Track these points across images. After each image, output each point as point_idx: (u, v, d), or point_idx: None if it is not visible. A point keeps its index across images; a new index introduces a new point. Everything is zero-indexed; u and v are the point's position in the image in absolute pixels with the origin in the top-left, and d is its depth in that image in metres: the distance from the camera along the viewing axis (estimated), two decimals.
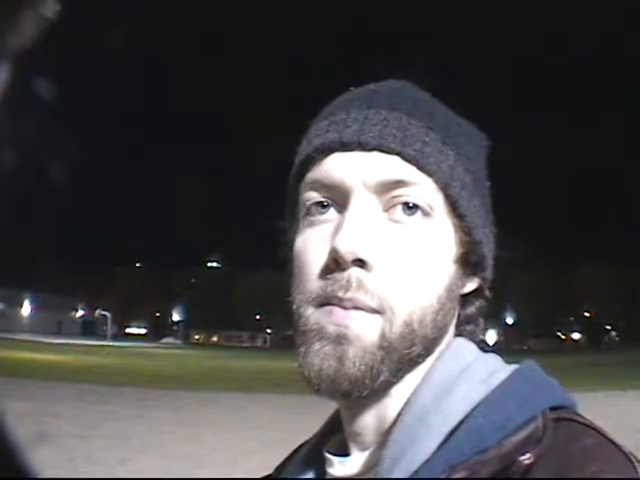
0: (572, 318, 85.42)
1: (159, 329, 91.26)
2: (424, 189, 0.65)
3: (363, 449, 0.67)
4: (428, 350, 0.65)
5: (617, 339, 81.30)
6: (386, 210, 0.65)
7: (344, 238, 0.62)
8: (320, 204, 0.67)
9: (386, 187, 0.64)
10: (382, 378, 0.62)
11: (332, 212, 0.67)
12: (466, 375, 0.63)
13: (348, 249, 0.61)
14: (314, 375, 0.63)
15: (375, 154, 0.65)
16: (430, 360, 0.66)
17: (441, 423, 0.60)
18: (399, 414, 0.64)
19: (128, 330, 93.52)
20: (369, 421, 0.66)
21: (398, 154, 0.65)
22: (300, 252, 0.68)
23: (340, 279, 0.62)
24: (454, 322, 0.70)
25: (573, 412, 0.62)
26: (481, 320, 0.74)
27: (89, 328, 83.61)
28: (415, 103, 0.69)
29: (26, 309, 74.98)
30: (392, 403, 0.66)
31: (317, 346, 0.63)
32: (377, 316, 0.62)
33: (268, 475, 0.81)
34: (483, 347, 0.70)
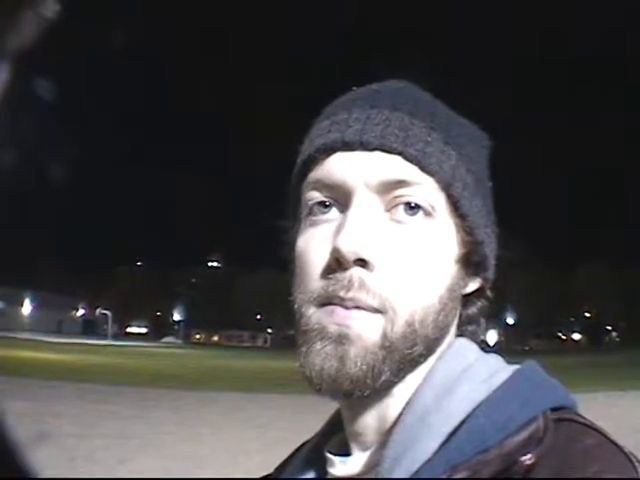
0: (572, 318, 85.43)
1: (160, 328, 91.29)
2: (426, 189, 0.65)
3: (364, 449, 0.67)
4: (429, 350, 0.65)
5: (618, 339, 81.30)
6: (388, 210, 0.65)
7: (346, 238, 0.62)
8: (322, 204, 0.67)
9: (388, 187, 0.64)
10: (384, 378, 0.62)
11: (334, 212, 0.67)
12: (467, 375, 0.64)
13: (350, 249, 0.61)
14: (315, 375, 0.63)
15: (377, 154, 0.65)
16: (431, 360, 0.66)
17: (442, 423, 0.60)
18: (400, 414, 0.64)
19: (129, 329, 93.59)
20: (370, 421, 0.66)
21: (400, 154, 0.65)
22: (302, 252, 0.68)
23: (342, 279, 0.63)
24: (456, 322, 0.70)
25: (574, 412, 0.62)
26: (483, 320, 0.74)
27: (90, 327, 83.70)
28: (417, 103, 0.69)
29: (27, 308, 75.04)
30: (393, 403, 0.66)
31: (319, 346, 0.63)
32: (379, 316, 0.62)
33: (268, 475, 0.81)
34: (484, 347, 0.70)
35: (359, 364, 0.61)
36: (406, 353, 0.63)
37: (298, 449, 0.79)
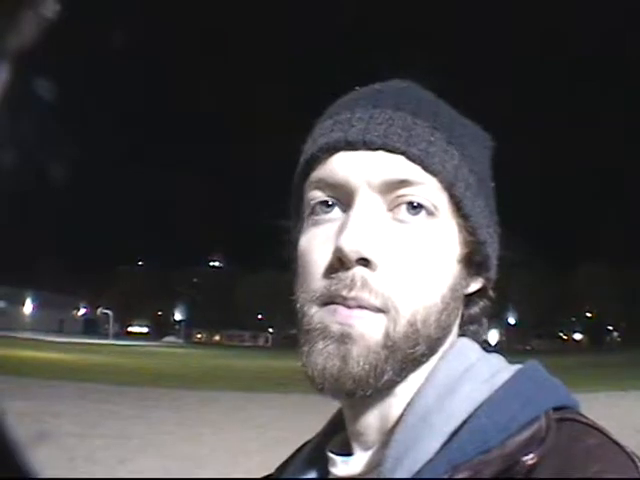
0: (574, 318, 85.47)
1: (161, 328, 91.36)
2: (429, 189, 0.65)
3: (366, 449, 0.67)
4: (432, 350, 0.65)
5: (619, 339, 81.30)
6: (390, 209, 0.65)
7: (348, 237, 0.62)
8: (325, 203, 0.67)
9: (391, 186, 0.64)
10: (386, 377, 0.62)
11: (337, 211, 0.67)
12: (469, 375, 0.64)
13: (352, 248, 0.61)
14: (318, 374, 0.63)
15: (380, 153, 0.65)
16: (434, 360, 0.66)
17: (444, 423, 0.60)
18: (402, 414, 0.64)
19: (130, 329, 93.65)
20: (372, 420, 0.66)
21: (403, 153, 0.65)
22: (304, 251, 0.68)
23: (344, 278, 0.62)
24: (458, 322, 0.70)
25: (576, 412, 0.62)
26: (485, 320, 0.74)
27: (91, 327, 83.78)
28: (420, 103, 0.69)
29: (28, 307, 75.12)
30: (395, 402, 0.66)
31: (321, 345, 0.63)
32: (381, 315, 0.62)
33: (269, 475, 0.81)
34: (486, 347, 0.70)
35: (361, 363, 0.61)
36: (408, 353, 0.63)
37: (299, 449, 0.79)
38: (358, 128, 0.66)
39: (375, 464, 0.65)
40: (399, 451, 0.61)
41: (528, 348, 73.98)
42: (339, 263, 0.63)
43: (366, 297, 0.62)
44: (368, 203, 0.64)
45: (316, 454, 0.73)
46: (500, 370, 0.64)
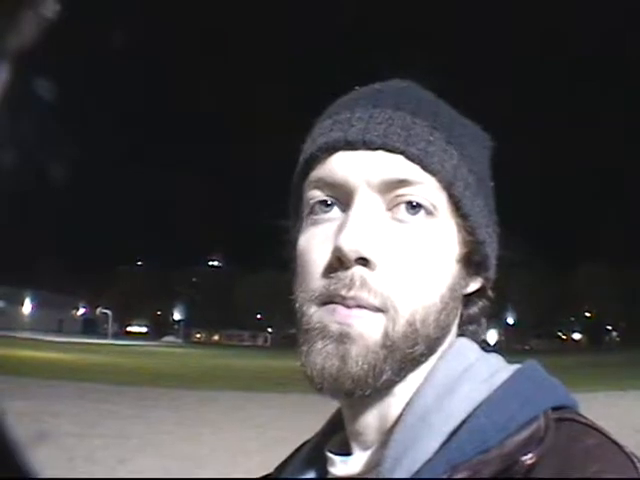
0: (573, 318, 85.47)
1: (160, 328, 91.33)
2: (428, 188, 0.65)
3: (365, 448, 0.67)
4: (431, 350, 0.65)
5: (618, 339, 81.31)
6: (390, 209, 0.65)
7: (348, 237, 0.62)
8: (324, 203, 0.67)
9: (390, 186, 0.64)
10: (385, 377, 0.62)
11: (336, 211, 0.67)
12: (468, 375, 0.63)
13: (352, 248, 0.61)
14: (316, 374, 0.63)
15: (379, 153, 0.65)
16: (433, 360, 0.66)
17: (443, 423, 0.60)
18: (401, 413, 0.64)
19: (129, 329, 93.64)
20: (371, 420, 0.66)
21: (402, 153, 0.65)
22: (303, 251, 0.68)
23: (343, 277, 0.62)
24: (457, 322, 0.70)
25: (575, 412, 0.62)
26: (484, 320, 0.74)
27: (90, 326, 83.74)
28: (419, 103, 0.69)
29: (27, 307, 75.06)
30: (394, 402, 0.65)
31: (320, 345, 0.63)
32: (380, 315, 0.62)
33: (268, 475, 0.81)
34: (485, 347, 0.70)
35: (360, 363, 0.61)
36: (407, 352, 0.63)
37: (298, 449, 0.79)
38: (358, 128, 0.66)
39: (374, 464, 0.65)
40: (398, 451, 0.61)
41: (527, 348, 74.02)
42: (338, 262, 0.63)
43: (365, 297, 0.62)
44: (367, 202, 0.64)
45: (315, 454, 0.73)
46: (499, 370, 0.64)
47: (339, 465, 0.68)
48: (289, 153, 0.74)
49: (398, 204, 0.65)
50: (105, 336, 67.62)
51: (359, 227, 0.62)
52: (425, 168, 0.65)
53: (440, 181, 0.66)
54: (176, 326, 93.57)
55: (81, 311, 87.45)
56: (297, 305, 0.66)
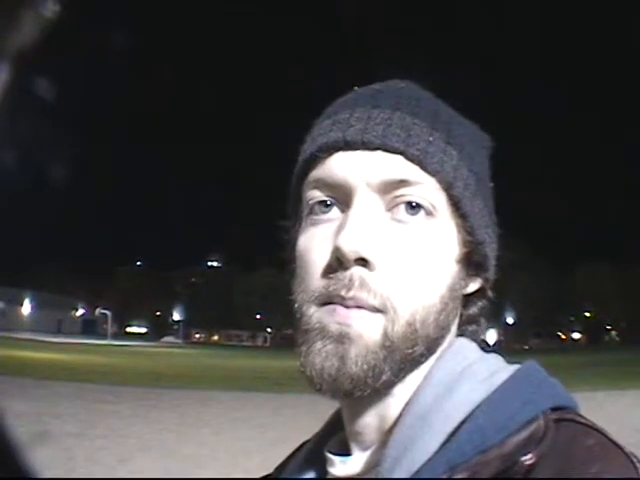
0: (572, 318, 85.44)
1: (159, 328, 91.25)
2: (427, 189, 0.65)
3: (364, 448, 0.67)
4: (430, 350, 0.65)
5: (617, 339, 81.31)
6: (389, 209, 0.65)
7: (347, 237, 0.62)
8: (323, 203, 0.67)
9: (389, 186, 0.64)
10: (384, 378, 0.62)
11: (335, 211, 0.67)
12: (468, 375, 0.63)
13: (351, 248, 0.61)
14: (316, 374, 0.63)
15: (379, 153, 0.65)
16: (432, 360, 0.66)
17: (442, 423, 0.60)
18: (401, 414, 0.64)
19: (128, 329, 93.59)
20: (370, 420, 0.66)
21: (402, 153, 0.65)
22: (303, 251, 0.68)
23: (343, 278, 0.62)
24: (456, 322, 0.70)
25: (575, 413, 0.61)
26: (483, 320, 0.74)
27: (89, 327, 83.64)
28: (419, 103, 0.69)
29: (26, 308, 74.92)
30: (394, 402, 0.65)
31: (319, 345, 0.63)
32: (379, 315, 0.62)
33: (268, 475, 0.81)
34: (484, 347, 0.70)
35: (360, 363, 0.61)
36: (407, 353, 0.63)
37: (298, 449, 0.79)
38: (357, 128, 0.66)
39: (373, 464, 0.65)
40: (397, 451, 0.61)
41: (526, 347, 74.01)
42: (338, 263, 0.63)
43: (364, 297, 0.62)
44: (367, 203, 0.64)
45: (314, 454, 0.73)
46: (498, 370, 0.64)
47: (338, 465, 0.68)
48: (288, 153, 0.74)
49: (398, 204, 0.65)
50: (104, 337, 67.50)
51: (358, 227, 0.62)
52: (425, 168, 0.65)
53: (440, 181, 0.65)
54: (175, 326, 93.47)
55: (80, 312, 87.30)
56: (296, 305, 0.66)
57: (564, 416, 0.60)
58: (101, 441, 8.89)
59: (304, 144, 0.72)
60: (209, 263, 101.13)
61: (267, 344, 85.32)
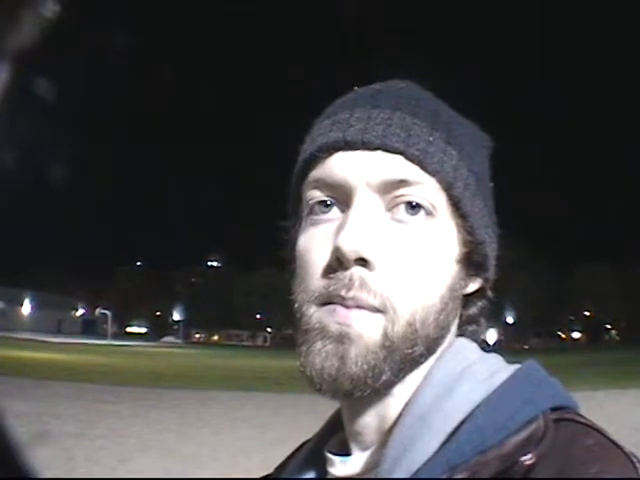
0: (572, 317, 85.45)
1: (159, 328, 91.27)
2: (427, 189, 0.65)
3: (364, 449, 0.67)
4: (430, 350, 0.65)
5: (617, 338, 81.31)
6: (389, 209, 0.65)
7: (347, 237, 0.62)
8: (323, 203, 0.67)
9: (389, 186, 0.64)
10: (384, 378, 0.62)
11: (335, 211, 0.67)
12: (467, 375, 0.63)
13: (351, 248, 0.61)
14: (316, 374, 0.63)
15: (379, 153, 0.65)
16: (432, 360, 0.66)
17: (442, 423, 0.60)
18: (400, 414, 0.64)
19: (128, 329, 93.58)
20: (370, 420, 0.66)
21: (402, 153, 0.65)
22: (303, 251, 0.68)
23: (343, 278, 0.62)
24: (456, 322, 0.70)
25: (574, 412, 0.61)
26: (483, 320, 0.74)
27: (89, 327, 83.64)
28: (419, 103, 0.69)
29: (26, 308, 74.92)
30: (393, 402, 0.65)
31: (319, 345, 0.63)
32: (379, 315, 0.62)
33: (268, 475, 0.81)
34: (484, 346, 0.70)
35: (360, 364, 0.61)
36: (407, 353, 0.62)
37: (298, 449, 0.79)
38: (357, 128, 0.66)
39: (373, 464, 0.65)
40: (397, 451, 0.61)
41: (526, 347, 74.02)
42: (338, 263, 0.63)
43: (364, 297, 0.62)
44: (367, 203, 0.64)
45: (314, 454, 0.73)
46: (498, 370, 0.64)
47: (338, 465, 0.68)
48: (288, 153, 0.74)
49: (397, 204, 0.65)
50: (104, 337, 67.50)
51: (358, 227, 0.62)
52: (425, 168, 0.65)
53: (440, 181, 0.65)
54: (175, 326, 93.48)
55: (80, 312, 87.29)
56: (296, 305, 0.66)
57: (564, 416, 0.60)
58: (101, 441, 8.89)
59: (304, 144, 0.72)
60: (209, 263, 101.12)
61: (267, 344, 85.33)
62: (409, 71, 0.75)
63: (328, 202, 0.67)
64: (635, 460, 0.55)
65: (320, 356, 0.62)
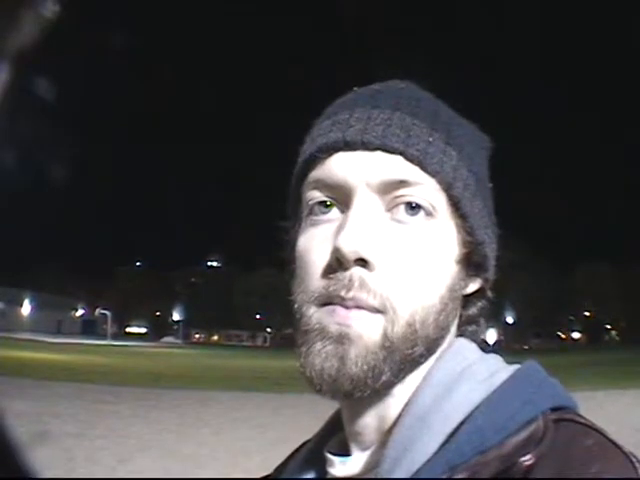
0: (572, 317, 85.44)
1: (159, 328, 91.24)
2: (427, 189, 0.65)
3: (364, 449, 0.67)
4: (430, 350, 0.65)
5: (617, 338, 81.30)
6: (389, 210, 0.65)
7: (347, 237, 0.62)
8: (323, 203, 0.67)
9: (389, 187, 0.64)
10: (384, 378, 0.62)
11: (335, 212, 0.67)
12: (467, 375, 0.63)
13: (351, 248, 0.61)
14: (315, 375, 0.63)
15: (378, 154, 0.65)
16: (432, 360, 0.66)
17: (442, 423, 0.60)
18: (400, 414, 0.64)
19: (128, 329, 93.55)
20: (370, 421, 0.66)
21: (401, 154, 0.65)
22: (303, 251, 0.68)
23: (342, 278, 0.62)
24: (456, 322, 0.70)
25: (574, 413, 0.61)
26: (483, 321, 0.74)
27: (89, 327, 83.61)
28: (419, 103, 0.69)
29: (26, 308, 74.86)
30: (393, 403, 0.65)
31: (319, 346, 0.63)
32: (379, 316, 0.62)
33: (268, 475, 0.81)
34: (484, 347, 0.70)
35: (360, 364, 0.61)
36: (407, 353, 0.62)
37: (298, 449, 0.79)
38: (356, 128, 0.66)
39: (373, 464, 0.65)
40: (397, 451, 0.61)
41: (526, 347, 74.01)
42: (337, 263, 0.63)
43: (364, 298, 0.62)
44: (366, 203, 0.64)
45: (314, 454, 0.73)
46: (498, 370, 0.64)
47: (338, 466, 0.68)
48: (288, 153, 0.74)
49: (397, 205, 0.65)
50: (104, 337, 67.47)
51: (358, 228, 0.62)
52: (424, 169, 0.65)
53: (439, 182, 0.65)
54: (175, 326, 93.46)
55: (80, 312, 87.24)
56: (296, 306, 0.66)
57: (563, 416, 0.60)
58: (101, 441, 8.89)
59: (304, 145, 0.72)
60: (209, 263, 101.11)
61: (267, 344, 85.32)
62: (409, 71, 0.75)
63: (328, 202, 0.67)
64: (635, 460, 0.55)
65: (320, 357, 0.62)
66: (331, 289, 0.63)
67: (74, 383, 16.08)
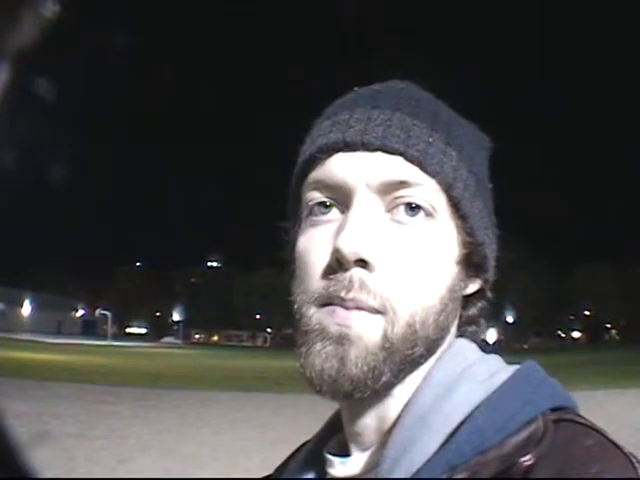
0: (572, 317, 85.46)
1: (159, 329, 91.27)
2: (427, 190, 0.65)
3: (364, 449, 0.67)
4: (430, 351, 0.65)
5: (617, 337, 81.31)
6: (389, 210, 0.65)
7: (347, 238, 0.62)
8: (323, 204, 0.67)
9: (389, 187, 0.64)
10: (384, 379, 0.62)
11: (335, 212, 0.67)
12: (467, 375, 0.63)
13: (351, 249, 0.61)
14: (315, 375, 0.63)
15: (378, 154, 0.65)
16: (432, 361, 0.66)
17: (442, 424, 0.60)
18: (400, 415, 0.64)
19: (128, 330, 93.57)
20: (370, 421, 0.66)
21: (401, 154, 0.65)
22: (303, 252, 0.67)
23: (342, 279, 0.62)
24: (456, 323, 0.70)
25: (574, 413, 0.61)
26: (483, 321, 0.74)
27: (89, 328, 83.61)
28: (419, 104, 0.69)
29: (26, 309, 74.85)
30: (393, 403, 0.65)
31: (319, 346, 0.63)
32: (379, 316, 0.62)
33: (268, 475, 0.81)
34: (483, 346, 0.70)
35: (360, 365, 0.61)
36: (407, 354, 0.62)
37: (298, 449, 0.79)
38: (356, 129, 0.66)
39: (373, 465, 0.65)
40: (397, 452, 0.61)
41: (526, 347, 74.03)
42: (337, 264, 0.63)
43: (364, 298, 0.62)
44: (366, 204, 0.64)
45: (314, 455, 0.73)
46: (498, 371, 0.64)
47: (338, 466, 0.68)
48: (288, 153, 0.74)
49: (397, 205, 0.65)
50: (104, 337, 67.47)
51: (358, 228, 0.62)
52: (424, 169, 0.65)
53: (439, 183, 0.65)
54: (175, 327, 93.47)
55: (80, 312, 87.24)
56: (296, 306, 0.66)
57: (563, 416, 0.60)
58: (101, 441, 8.89)
59: (304, 145, 0.72)
60: (209, 263, 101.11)
61: (267, 344, 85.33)
62: (409, 71, 0.75)
63: (328, 203, 0.67)
64: (635, 460, 0.55)
65: (320, 357, 0.62)
66: (331, 290, 0.63)
67: (74, 383, 16.09)
